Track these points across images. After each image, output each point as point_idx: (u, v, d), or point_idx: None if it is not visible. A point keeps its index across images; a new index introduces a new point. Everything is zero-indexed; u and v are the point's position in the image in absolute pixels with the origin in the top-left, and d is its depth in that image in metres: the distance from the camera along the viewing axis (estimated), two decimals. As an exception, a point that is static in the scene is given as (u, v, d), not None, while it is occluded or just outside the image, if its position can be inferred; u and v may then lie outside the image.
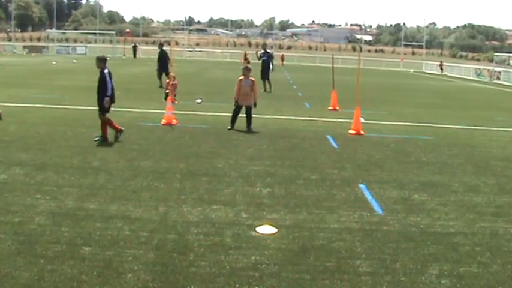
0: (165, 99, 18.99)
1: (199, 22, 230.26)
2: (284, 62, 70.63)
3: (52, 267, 5.54)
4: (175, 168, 10.15)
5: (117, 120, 12.88)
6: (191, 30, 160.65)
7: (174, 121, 15.39)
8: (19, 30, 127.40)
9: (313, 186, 9.33)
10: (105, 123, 12.33)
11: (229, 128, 14.81)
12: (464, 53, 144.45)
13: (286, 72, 51.62)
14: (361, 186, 9.47)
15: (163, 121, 15.32)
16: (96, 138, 12.24)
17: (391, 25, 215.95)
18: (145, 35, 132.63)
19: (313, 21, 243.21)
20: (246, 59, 49.30)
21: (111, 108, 12.66)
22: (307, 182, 9.56)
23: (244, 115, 14.94)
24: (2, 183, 8.49)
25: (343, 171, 10.62)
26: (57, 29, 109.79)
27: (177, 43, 61.16)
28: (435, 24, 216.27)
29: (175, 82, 20.78)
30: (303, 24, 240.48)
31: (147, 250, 6.12)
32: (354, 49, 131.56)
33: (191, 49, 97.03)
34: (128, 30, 51.14)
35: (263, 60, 28.65)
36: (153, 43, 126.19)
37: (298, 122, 17.41)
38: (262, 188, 9.05)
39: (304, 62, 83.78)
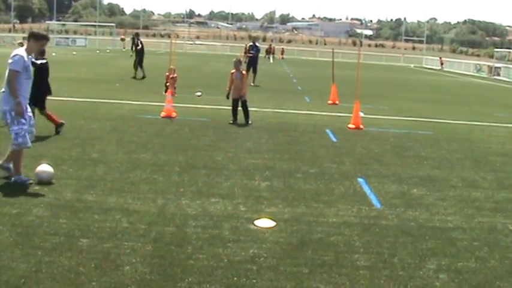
0: (165, 91, 18.99)
1: (199, 15, 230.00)
2: (284, 56, 70.57)
3: (50, 259, 5.53)
4: (174, 160, 10.14)
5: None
6: (191, 23, 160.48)
7: (174, 114, 15.37)
8: (18, 22, 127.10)
9: (312, 179, 9.33)
10: (49, 115, 12.01)
11: (231, 121, 14.79)
12: (464, 49, 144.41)
13: (286, 66, 51.57)
14: (360, 180, 9.46)
15: (163, 114, 15.29)
16: (57, 131, 11.95)
17: (391, 20, 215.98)
18: (145, 27, 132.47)
19: (313, 15, 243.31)
20: (246, 52, 49.13)
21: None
22: (306, 176, 9.56)
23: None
24: (0, 175, 8.47)
25: (342, 165, 10.61)
26: (57, 20, 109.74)
27: (177, 36, 61.00)
28: (436, 20, 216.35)
29: (175, 75, 20.76)
30: (303, 18, 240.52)
31: (145, 242, 6.11)
32: (354, 43, 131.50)
33: (191, 42, 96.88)
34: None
35: (251, 53, 28.44)
36: (153, 36, 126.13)
37: (298, 115, 17.40)
38: (261, 181, 9.04)
39: (304, 56, 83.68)
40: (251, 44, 29.50)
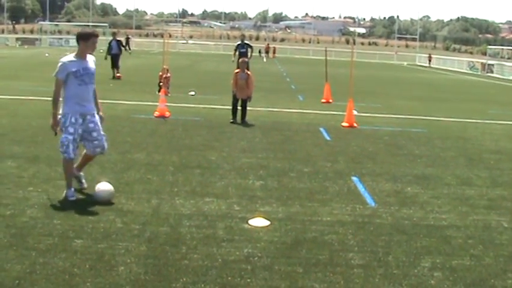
0: (159, 91, 18.97)
1: (192, 14, 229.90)
2: (276, 55, 70.54)
3: (44, 260, 5.51)
4: (168, 160, 10.13)
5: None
6: (184, 22, 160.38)
7: (167, 113, 15.35)
8: (14, 23, 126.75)
9: (306, 178, 9.33)
10: None
11: (231, 120, 14.76)
12: (457, 46, 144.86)
13: (279, 64, 51.56)
14: (354, 178, 9.47)
15: (156, 113, 15.27)
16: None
17: (384, 18, 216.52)
18: (138, 27, 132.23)
19: (306, 13, 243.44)
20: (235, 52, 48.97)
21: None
22: (300, 175, 9.56)
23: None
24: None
25: (336, 163, 10.62)
26: (50, 21, 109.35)
27: (170, 35, 60.93)
28: (429, 17, 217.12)
29: (169, 75, 20.75)
30: (296, 17, 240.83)
31: (139, 243, 6.10)
32: (347, 42, 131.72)
33: (184, 41, 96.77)
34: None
35: (240, 52, 27.82)
36: (147, 35, 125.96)
37: (292, 114, 17.40)
38: (255, 180, 9.04)
39: (298, 55, 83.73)
40: (239, 42, 28.63)
